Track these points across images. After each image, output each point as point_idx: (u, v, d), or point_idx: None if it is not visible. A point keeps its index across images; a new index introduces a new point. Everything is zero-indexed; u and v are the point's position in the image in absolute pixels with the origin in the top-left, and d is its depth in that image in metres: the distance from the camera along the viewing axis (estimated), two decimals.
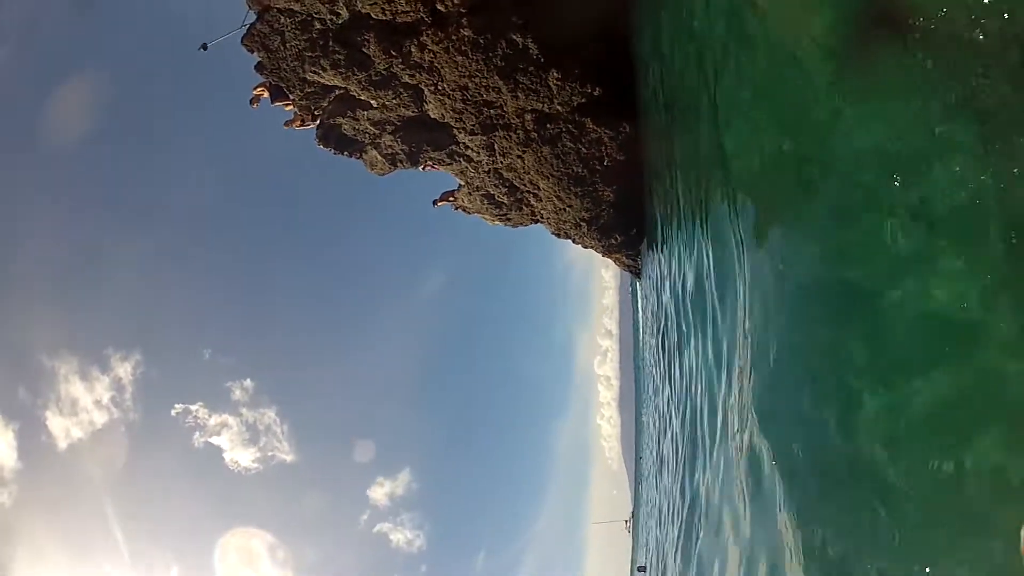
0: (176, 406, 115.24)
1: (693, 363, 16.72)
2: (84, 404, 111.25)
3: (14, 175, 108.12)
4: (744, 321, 10.80)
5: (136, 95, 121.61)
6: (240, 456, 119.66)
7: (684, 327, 18.33)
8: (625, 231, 27.54)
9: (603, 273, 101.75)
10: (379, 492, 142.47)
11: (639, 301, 44.03)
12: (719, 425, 13.02)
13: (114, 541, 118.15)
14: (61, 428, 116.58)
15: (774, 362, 9.22)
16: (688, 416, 17.60)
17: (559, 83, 21.18)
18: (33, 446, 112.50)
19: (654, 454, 30.08)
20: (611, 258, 31.59)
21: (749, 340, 10.42)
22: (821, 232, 7.89)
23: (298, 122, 23.82)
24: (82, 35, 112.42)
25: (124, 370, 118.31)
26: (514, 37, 20.16)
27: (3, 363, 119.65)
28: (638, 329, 47.94)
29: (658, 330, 26.22)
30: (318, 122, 24.12)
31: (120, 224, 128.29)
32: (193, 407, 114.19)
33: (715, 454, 13.25)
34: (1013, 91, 4.71)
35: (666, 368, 23.22)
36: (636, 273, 33.88)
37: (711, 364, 13.85)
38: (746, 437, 10.48)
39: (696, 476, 15.70)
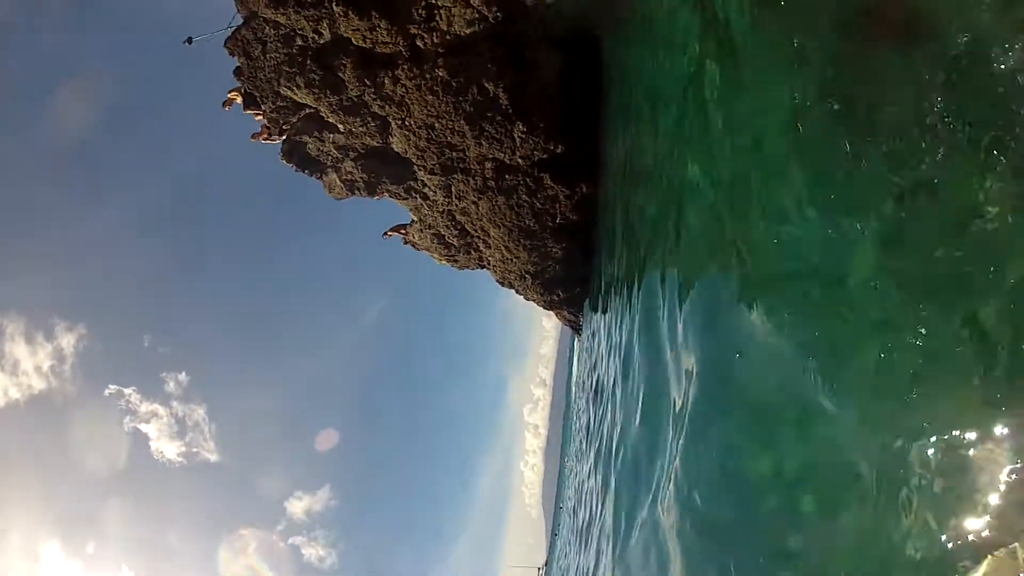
0: (111, 386, 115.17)
1: (612, 432, 16.95)
2: (25, 367, 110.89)
3: None
4: (667, 398, 11.10)
5: (125, 85, 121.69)
6: (166, 448, 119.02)
7: (610, 394, 18.59)
8: (569, 288, 28.00)
9: (544, 322, 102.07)
10: (297, 505, 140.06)
11: (575, 357, 44.46)
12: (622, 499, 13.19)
13: (37, 510, 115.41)
14: (0, 385, 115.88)
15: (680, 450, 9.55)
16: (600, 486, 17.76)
17: (524, 136, 21.63)
18: None
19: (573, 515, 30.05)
20: (552, 312, 32.01)
21: (663, 419, 10.75)
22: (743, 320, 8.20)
23: (264, 135, 23.87)
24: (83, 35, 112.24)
25: (67, 341, 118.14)
26: (486, 84, 20.63)
27: None
28: (572, 385, 48.33)
29: (590, 391, 26.44)
30: (284, 137, 24.20)
31: (85, 197, 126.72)
32: (127, 390, 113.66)
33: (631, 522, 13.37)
34: None
35: (596, 431, 23.35)
36: (577, 329, 34.25)
37: (626, 437, 14.09)
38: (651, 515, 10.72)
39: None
